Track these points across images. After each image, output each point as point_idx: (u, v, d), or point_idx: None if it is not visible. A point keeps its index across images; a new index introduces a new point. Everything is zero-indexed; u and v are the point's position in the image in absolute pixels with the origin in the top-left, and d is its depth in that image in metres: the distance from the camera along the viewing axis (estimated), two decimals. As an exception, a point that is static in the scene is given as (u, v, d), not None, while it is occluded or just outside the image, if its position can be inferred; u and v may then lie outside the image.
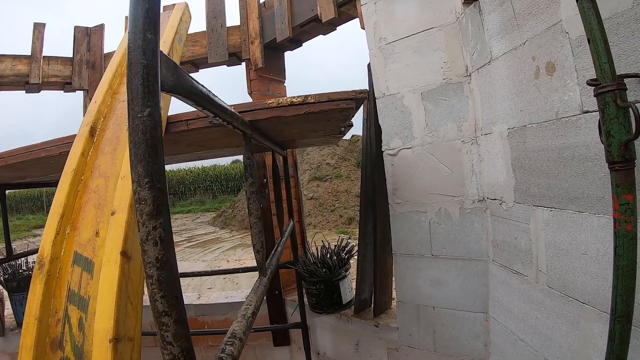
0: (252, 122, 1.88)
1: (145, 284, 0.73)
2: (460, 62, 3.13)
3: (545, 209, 2.29)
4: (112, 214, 1.67)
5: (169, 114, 2.09)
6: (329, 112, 1.80)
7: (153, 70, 0.73)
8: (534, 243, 2.43)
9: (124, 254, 1.59)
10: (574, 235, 2.07)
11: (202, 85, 1.09)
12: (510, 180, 2.62)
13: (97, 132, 2.15)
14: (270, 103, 1.80)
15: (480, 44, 2.82)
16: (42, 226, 24.80)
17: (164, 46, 2.27)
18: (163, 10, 5.23)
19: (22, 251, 5.21)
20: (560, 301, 2.22)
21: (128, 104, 0.72)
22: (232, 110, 1.44)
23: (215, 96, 1.21)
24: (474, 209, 3.09)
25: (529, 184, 2.42)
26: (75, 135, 2.21)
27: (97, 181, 1.99)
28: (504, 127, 2.63)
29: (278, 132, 2.49)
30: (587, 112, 1.90)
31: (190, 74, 0.99)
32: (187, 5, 2.89)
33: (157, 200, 0.68)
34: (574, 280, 2.10)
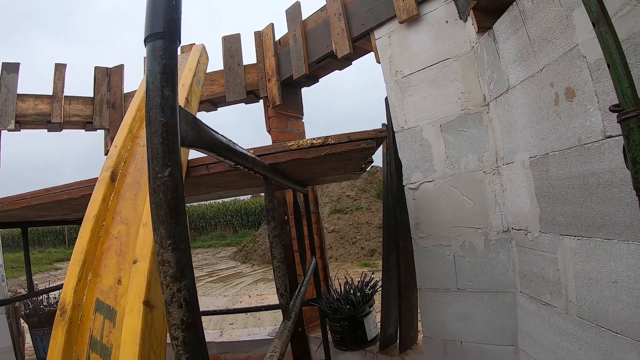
0: (273, 165, 1.88)
1: (168, 335, 0.71)
2: (478, 91, 3.12)
3: (573, 237, 2.23)
4: (134, 262, 1.67)
5: (189, 158, 2.10)
6: (349, 152, 1.79)
7: (172, 128, 0.72)
8: (562, 273, 2.36)
9: (147, 303, 1.58)
10: (604, 263, 2.02)
11: (222, 136, 1.08)
12: (535, 209, 2.57)
13: (118, 177, 2.16)
14: (291, 145, 1.80)
15: (497, 73, 2.81)
16: (63, 259, 25.00)
17: (182, 90, 2.30)
18: (181, 52, 5.34)
19: (43, 287, 5.24)
20: (591, 331, 2.15)
21: (148, 163, 0.71)
22: (253, 156, 1.43)
23: (235, 145, 1.21)
24: (499, 240, 3.04)
25: (555, 213, 2.37)
26: (97, 178, 2.23)
27: (119, 227, 1.99)
28: (525, 156, 2.60)
29: (299, 172, 2.48)
30: (610, 137, 1.87)
31: (208, 126, 0.99)
32: (204, 47, 2.94)
33: (180, 261, 0.66)
34: (606, 309, 2.04)
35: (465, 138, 3.15)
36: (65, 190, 2.66)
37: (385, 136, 1.84)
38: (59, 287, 4.52)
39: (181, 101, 2.17)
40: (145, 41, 0.78)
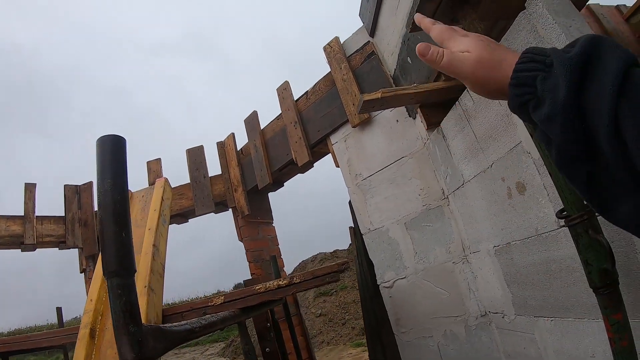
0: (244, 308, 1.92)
1: None
2: (436, 185, 3.24)
3: (546, 319, 2.28)
4: None
5: (165, 303, 2.12)
6: (316, 285, 1.84)
7: None
8: (543, 351, 2.40)
9: None
10: (579, 340, 2.06)
11: (186, 324, 1.13)
12: (507, 294, 2.63)
13: (97, 333, 2.16)
14: (259, 289, 1.85)
15: (451, 168, 2.93)
16: None
17: (149, 235, 2.35)
18: (147, 168, 5.43)
19: None
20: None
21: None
22: (222, 315, 1.47)
23: (203, 319, 1.26)
24: (478, 324, 3.07)
25: (526, 297, 2.43)
26: (78, 327, 2.22)
27: (101, 387, 1.97)
28: (489, 245, 2.68)
29: (269, 303, 2.51)
30: (564, 226, 1.94)
31: (174, 326, 1.04)
32: (166, 181, 3.02)
33: None
34: (589, 383, 2.06)
35: (431, 232, 3.24)
36: (45, 337, 2.64)
37: (347, 267, 1.90)
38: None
39: (149, 250, 2.22)
40: (104, 276, 0.85)
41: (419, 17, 0.89)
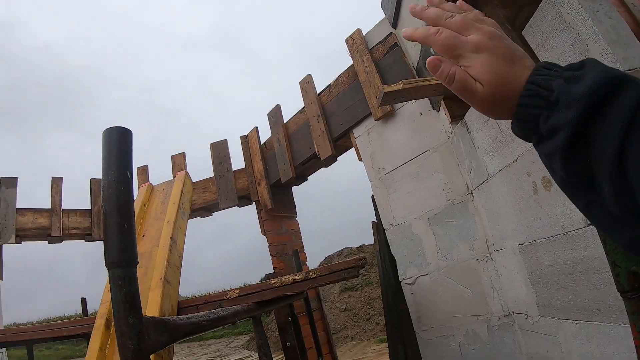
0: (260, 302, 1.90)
1: None
2: (460, 180, 3.18)
3: (571, 321, 2.22)
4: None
5: (181, 295, 2.12)
6: (333, 280, 1.82)
7: (140, 352, 0.79)
8: (566, 355, 2.33)
9: None
10: (604, 346, 2.00)
11: (193, 318, 1.12)
12: (531, 294, 2.56)
13: (112, 324, 2.17)
14: (274, 283, 1.83)
15: (475, 162, 2.86)
16: (71, 357, 24.27)
17: (167, 227, 2.35)
18: (172, 162, 5.46)
19: None
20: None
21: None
22: (234, 309, 1.46)
23: (212, 313, 1.24)
24: (501, 324, 3.01)
25: (550, 298, 2.36)
26: (95, 317, 2.24)
27: (116, 378, 1.98)
28: (514, 243, 2.61)
29: (287, 298, 2.50)
30: (591, 224, 1.88)
31: (180, 318, 1.02)
32: (186, 174, 3.03)
33: None
34: (613, 390, 1.99)
35: (454, 228, 3.18)
36: (65, 327, 2.69)
37: (365, 262, 1.87)
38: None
39: (167, 242, 2.21)
40: (106, 266, 0.84)
41: (413, 10, 0.82)
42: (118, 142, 0.89)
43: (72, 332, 2.67)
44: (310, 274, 1.77)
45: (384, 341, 14.41)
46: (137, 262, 0.84)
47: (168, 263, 2.09)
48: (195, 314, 1.14)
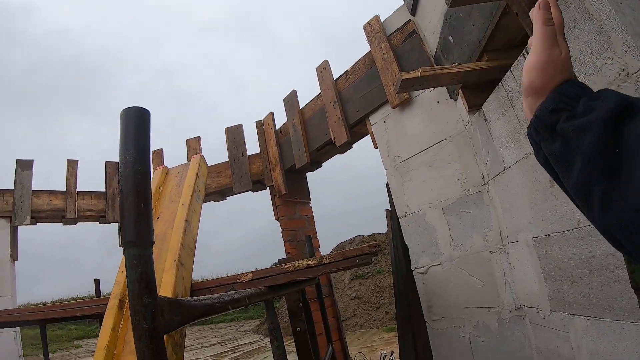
0: (272, 286, 1.91)
1: None
2: (476, 171, 3.15)
3: (583, 317, 2.19)
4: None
5: (194, 278, 2.13)
6: (346, 266, 1.82)
7: (155, 332, 0.78)
8: (576, 351, 2.31)
9: None
10: (615, 343, 1.98)
11: (207, 299, 1.12)
12: (544, 288, 2.54)
13: (126, 305, 2.19)
14: (288, 267, 1.84)
15: (492, 152, 2.84)
16: (83, 337, 24.59)
17: (182, 210, 2.37)
18: (187, 146, 5.49)
19: None
20: (611, 410, 2.08)
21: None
22: (248, 292, 1.46)
23: (223, 297, 1.24)
24: (512, 317, 3.00)
25: (563, 293, 2.34)
26: (108, 298, 2.26)
27: (129, 358, 2.00)
28: (528, 236, 2.59)
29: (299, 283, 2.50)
30: None
31: (193, 299, 1.02)
32: (202, 158, 3.03)
33: None
34: (622, 388, 1.97)
35: (469, 219, 3.16)
36: (78, 307, 2.72)
37: (379, 249, 1.86)
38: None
39: (181, 224, 2.23)
40: (121, 246, 0.84)
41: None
42: (136, 122, 0.89)
43: (85, 312, 2.70)
44: (324, 259, 1.77)
45: (393, 330, 14.45)
46: (154, 242, 0.84)
47: (182, 245, 2.10)
48: (209, 295, 1.14)
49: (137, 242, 0.81)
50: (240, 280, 1.88)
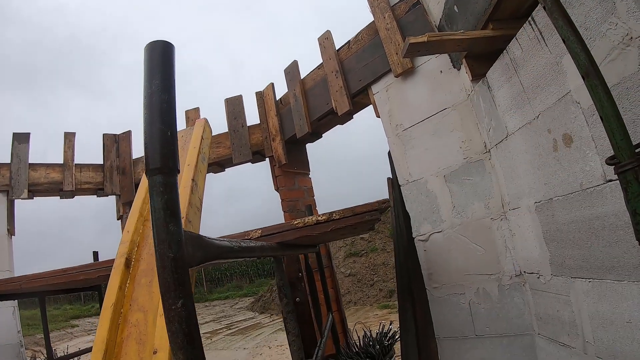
0: (281, 243, 1.91)
1: None
2: (478, 139, 3.17)
3: (584, 280, 2.22)
4: (154, 352, 1.68)
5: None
6: (356, 222, 1.83)
7: (180, 261, 0.78)
8: (577, 314, 2.34)
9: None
10: (616, 304, 2.00)
11: (227, 241, 1.13)
12: (545, 253, 2.57)
13: (132, 263, 2.20)
14: (297, 224, 1.84)
15: (495, 120, 2.85)
16: (80, 316, 24.74)
17: (188, 171, 2.36)
18: (185, 117, 5.46)
19: (60, 346, 5.19)
20: (611, 371, 2.11)
21: (162, 296, 0.75)
22: (260, 244, 1.47)
23: (240, 242, 1.25)
24: (512, 284, 3.03)
25: (564, 257, 2.37)
26: (112, 260, 2.27)
27: (137, 315, 2.01)
28: (530, 201, 2.61)
29: (306, 243, 2.51)
30: (610, 180, 1.88)
31: (212, 239, 1.03)
32: (206, 121, 3.02)
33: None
34: (622, 349, 2.01)
35: (470, 186, 3.18)
36: (82, 271, 2.72)
37: (388, 205, 1.88)
38: (77, 354, 4.51)
39: (188, 183, 2.23)
40: (146, 174, 0.84)
41: None
42: (162, 54, 0.89)
43: (89, 275, 2.70)
44: (334, 215, 1.78)
45: (387, 307, 14.59)
46: (179, 170, 0.84)
47: (190, 203, 2.10)
48: (227, 238, 1.15)
49: (163, 169, 0.80)
50: (250, 237, 1.89)
